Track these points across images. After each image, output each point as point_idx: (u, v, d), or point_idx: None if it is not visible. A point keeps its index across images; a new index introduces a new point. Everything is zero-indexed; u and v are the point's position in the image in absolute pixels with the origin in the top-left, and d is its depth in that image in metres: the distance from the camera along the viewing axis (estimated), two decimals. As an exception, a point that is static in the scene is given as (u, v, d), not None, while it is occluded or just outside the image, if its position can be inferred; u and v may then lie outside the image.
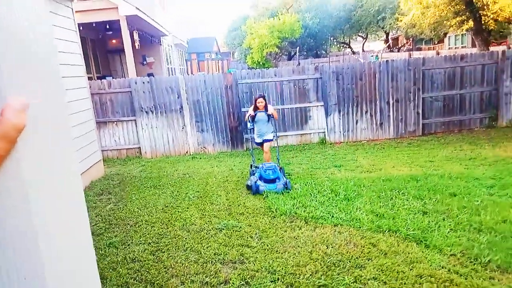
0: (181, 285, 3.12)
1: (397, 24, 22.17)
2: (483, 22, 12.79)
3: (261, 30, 23.22)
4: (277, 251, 3.58)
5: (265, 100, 6.02)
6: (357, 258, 3.34)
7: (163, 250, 3.74)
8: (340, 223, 4.08)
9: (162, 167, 7.47)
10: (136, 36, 12.01)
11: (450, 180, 5.27)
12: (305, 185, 5.47)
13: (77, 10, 7.52)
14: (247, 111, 6.26)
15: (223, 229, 4.16)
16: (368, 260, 3.29)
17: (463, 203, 4.38)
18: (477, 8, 12.34)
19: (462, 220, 3.92)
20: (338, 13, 29.11)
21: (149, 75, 12.43)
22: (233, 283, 3.07)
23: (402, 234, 3.71)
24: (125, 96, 8.34)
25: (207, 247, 3.74)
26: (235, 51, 35.43)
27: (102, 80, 8.55)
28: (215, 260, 3.47)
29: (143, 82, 8.31)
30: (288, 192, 5.17)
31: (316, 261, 3.34)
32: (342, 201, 4.72)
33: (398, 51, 31.07)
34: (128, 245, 3.93)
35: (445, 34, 23.46)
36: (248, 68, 22.98)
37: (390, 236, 3.72)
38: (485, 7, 12.14)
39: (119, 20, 10.46)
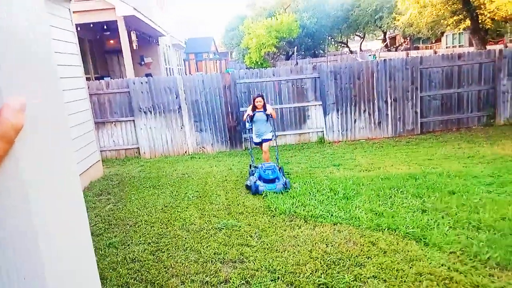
0: (181, 284, 3.12)
1: (394, 23, 22.20)
2: (480, 21, 12.82)
3: (259, 30, 23.21)
4: (277, 250, 3.58)
5: (264, 100, 6.02)
6: (356, 256, 3.34)
7: (163, 250, 3.74)
8: (340, 221, 4.09)
9: (161, 167, 7.46)
10: (133, 37, 12.00)
11: (449, 178, 5.29)
12: (304, 184, 5.47)
13: (75, 11, 7.50)
14: (246, 111, 6.25)
15: (223, 228, 4.16)
16: (368, 259, 3.30)
17: (462, 201, 4.39)
18: (474, 7, 12.38)
19: (461, 218, 3.93)
20: (336, 12, 29.14)
21: (147, 75, 12.42)
22: (233, 282, 3.07)
23: (402, 232, 3.72)
24: (123, 97, 8.33)
25: (207, 247, 3.74)
26: (233, 51, 35.41)
27: (100, 80, 8.54)
28: (215, 260, 3.47)
29: (141, 83, 8.30)
30: (287, 191, 5.17)
31: (316, 259, 3.34)
32: (341, 200, 4.73)
33: (396, 50, 31.13)
34: (128, 245, 3.93)
35: (442, 33, 23.52)
36: (246, 68, 22.99)
37: (389, 234, 3.73)
38: (482, 6, 12.17)
39: (116, 20, 10.44)
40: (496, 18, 12.55)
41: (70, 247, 0.84)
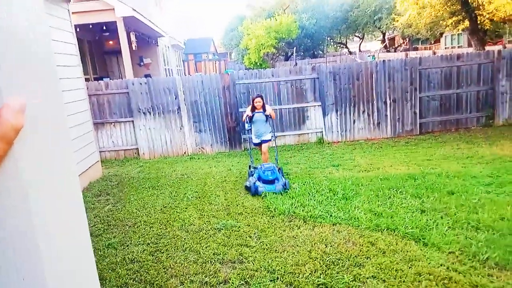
0: (180, 285, 3.12)
1: (393, 24, 22.23)
2: (478, 22, 12.85)
3: (258, 30, 23.24)
4: (276, 250, 3.58)
5: (263, 100, 6.02)
6: (356, 256, 3.34)
7: (162, 251, 3.74)
8: (339, 222, 4.09)
9: (160, 167, 7.46)
10: (133, 37, 12.00)
11: (448, 179, 5.29)
12: (303, 184, 5.48)
13: (74, 12, 7.50)
14: (245, 112, 6.25)
15: (222, 229, 4.16)
16: (367, 259, 3.30)
17: (460, 201, 4.40)
18: (472, 8, 12.41)
19: (460, 218, 3.94)
20: (335, 13, 29.18)
21: (146, 76, 12.42)
22: (232, 283, 3.07)
23: (401, 232, 3.72)
24: (122, 97, 8.32)
25: (206, 247, 3.74)
26: (232, 52, 35.43)
27: (99, 81, 8.54)
28: (214, 260, 3.47)
29: (141, 83, 8.30)
30: (287, 192, 5.17)
31: (315, 260, 3.34)
32: (340, 200, 4.73)
33: (395, 51, 31.17)
34: (127, 245, 3.93)
35: (441, 34, 23.55)
36: (246, 69, 23.01)
37: (388, 234, 3.73)
38: (481, 7, 12.20)
39: (116, 21, 10.44)
40: (495, 19, 12.58)
41: (70, 247, 0.85)
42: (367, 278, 3.01)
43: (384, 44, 32.85)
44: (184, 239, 3.98)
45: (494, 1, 11.17)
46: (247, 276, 3.16)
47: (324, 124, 8.79)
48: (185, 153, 8.64)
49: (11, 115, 0.67)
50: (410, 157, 6.95)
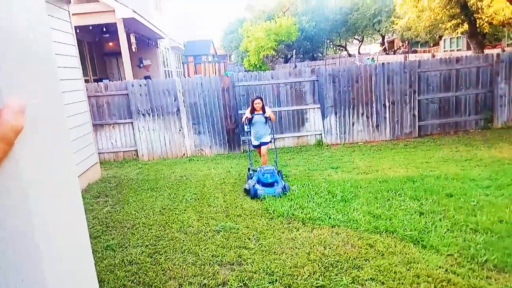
0: (179, 287, 3.11)
1: (392, 27, 22.32)
2: (477, 25, 12.91)
3: (258, 33, 23.29)
4: (274, 252, 3.58)
5: (263, 101, 6.00)
6: (354, 259, 3.34)
7: (160, 253, 3.73)
8: (338, 224, 4.09)
9: (159, 169, 7.45)
10: (133, 39, 12.01)
11: (446, 181, 5.30)
12: (302, 186, 5.48)
13: (74, 13, 7.51)
14: (244, 114, 6.24)
15: (221, 231, 4.15)
16: (366, 261, 3.30)
17: (459, 203, 4.40)
18: (471, 11, 12.47)
19: (458, 220, 3.94)
20: (335, 16, 29.27)
21: (146, 77, 12.43)
22: (231, 285, 3.06)
23: (399, 234, 3.72)
24: (122, 99, 8.33)
25: (205, 249, 3.73)
26: (232, 54, 35.50)
27: (99, 82, 8.55)
28: (213, 262, 3.46)
29: (140, 85, 8.31)
30: (286, 194, 5.17)
31: (314, 262, 3.34)
32: (339, 202, 4.73)
33: (394, 54, 31.25)
34: (126, 247, 3.92)
35: (440, 37, 23.64)
36: (245, 71, 23.04)
37: (387, 236, 3.73)
38: (480, 10, 12.26)
39: (116, 23, 10.45)
40: (493, 23, 12.64)
41: (69, 247, 0.85)
42: (366, 280, 3.01)
43: (383, 46, 32.94)
44: (183, 241, 3.98)
45: (493, 4, 11.23)
46: (246, 278, 3.15)
47: (323, 126, 8.80)
48: (184, 154, 8.64)
49: (12, 116, 0.67)
50: (409, 159, 6.96)
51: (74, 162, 0.97)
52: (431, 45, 29.01)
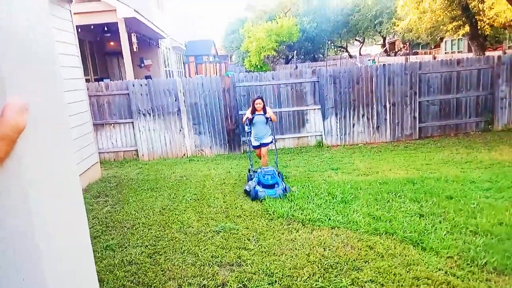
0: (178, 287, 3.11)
1: (394, 28, 22.30)
2: (479, 27, 12.90)
3: (259, 33, 23.29)
4: (274, 253, 3.58)
5: (263, 102, 5.99)
6: (354, 260, 3.34)
7: (160, 253, 3.73)
8: (337, 225, 4.09)
9: (159, 169, 7.45)
10: (134, 39, 12.02)
11: (447, 183, 5.30)
12: (302, 187, 5.47)
13: (76, 12, 7.51)
14: (245, 114, 6.22)
15: (221, 231, 4.15)
16: (365, 263, 3.30)
17: (459, 206, 4.40)
18: (473, 13, 12.46)
19: (458, 222, 3.94)
20: (336, 17, 29.27)
21: (147, 77, 12.43)
22: (230, 286, 3.06)
23: (399, 236, 3.72)
24: (122, 99, 8.33)
25: (205, 250, 3.73)
26: (233, 54, 35.51)
27: (100, 82, 8.55)
28: (213, 263, 3.46)
29: (141, 85, 8.31)
30: (286, 196, 5.16)
31: (313, 263, 3.34)
32: (339, 203, 4.73)
33: (395, 55, 31.25)
34: (125, 247, 3.92)
35: (441, 39, 23.62)
36: (246, 71, 23.03)
37: (387, 238, 3.73)
38: (481, 12, 12.26)
39: (117, 22, 10.46)
40: (495, 25, 12.63)
41: (70, 247, 0.85)
42: (365, 282, 3.01)
43: (384, 48, 32.94)
44: (183, 241, 3.98)
45: (494, 6, 11.23)
46: (245, 279, 3.15)
47: (324, 128, 8.80)
48: (184, 155, 8.64)
49: (14, 115, 0.67)
50: (409, 161, 6.95)
51: (74, 162, 0.97)
52: (432, 47, 29.00)
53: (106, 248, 3.90)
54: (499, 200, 4.57)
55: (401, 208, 4.46)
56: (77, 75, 6.49)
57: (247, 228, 4.20)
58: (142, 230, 4.33)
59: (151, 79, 9.52)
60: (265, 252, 3.60)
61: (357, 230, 3.95)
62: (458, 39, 22.85)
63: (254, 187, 5.21)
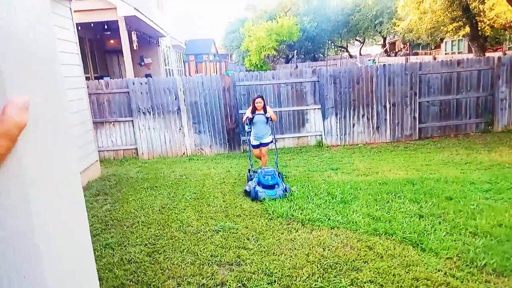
0: (177, 286, 3.11)
1: (394, 29, 22.30)
2: (479, 28, 12.91)
3: (259, 32, 23.28)
4: (273, 253, 3.58)
5: (264, 101, 5.96)
6: (353, 261, 3.34)
7: (159, 252, 3.73)
8: (337, 225, 4.09)
9: (159, 168, 7.45)
10: (134, 37, 12.01)
11: (446, 184, 5.30)
12: (302, 187, 5.47)
13: (76, 10, 7.50)
14: (245, 113, 6.20)
15: (220, 231, 4.15)
16: (365, 263, 3.30)
17: (459, 207, 4.40)
18: (473, 14, 12.46)
19: (458, 223, 3.94)
20: (336, 17, 29.25)
21: (147, 76, 12.42)
22: (229, 285, 3.06)
23: (399, 237, 3.72)
24: (122, 97, 8.32)
25: (204, 249, 3.73)
26: (233, 53, 35.49)
27: (100, 80, 8.54)
28: (212, 262, 3.46)
29: (141, 83, 8.30)
30: (285, 195, 5.16)
31: (312, 263, 3.34)
32: (338, 204, 4.73)
33: (395, 56, 31.25)
34: (125, 246, 3.92)
35: (441, 40, 23.62)
36: (246, 71, 23.03)
37: (386, 239, 3.73)
38: (482, 13, 12.26)
39: (117, 20, 10.45)
40: (495, 26, 12.64)
41: (70, 247, 0.84)
42: (365, 283, 3.01)
43: (384, 48, 32.94)
44: (182, 240, 3.98)
45: (495, 7, 11.23)
46: (244, 278, 3.15)
47: (324, 127, 8.80)
48: (184, 153, 8.64)
49: (15, 112, 0.67)
50: (409, 162, 6.96)
51: (75, 162, 0.97)
52: (433, 47, 29.01)
53: (106, 247, 3.90)
54: (498, 201, 4.57)
55: (400, 209, 4.46)
56: (77, 73, 6.48)
57: (247, 228, 4.20)
58: (142, 229, 4.33)
59: (151, 77, 9.52)
60: (265, 252, 3.60)
61: (357, 230, 3.95)
62: (458, 40, 22.86)
63: (254, 188, 5.18)
